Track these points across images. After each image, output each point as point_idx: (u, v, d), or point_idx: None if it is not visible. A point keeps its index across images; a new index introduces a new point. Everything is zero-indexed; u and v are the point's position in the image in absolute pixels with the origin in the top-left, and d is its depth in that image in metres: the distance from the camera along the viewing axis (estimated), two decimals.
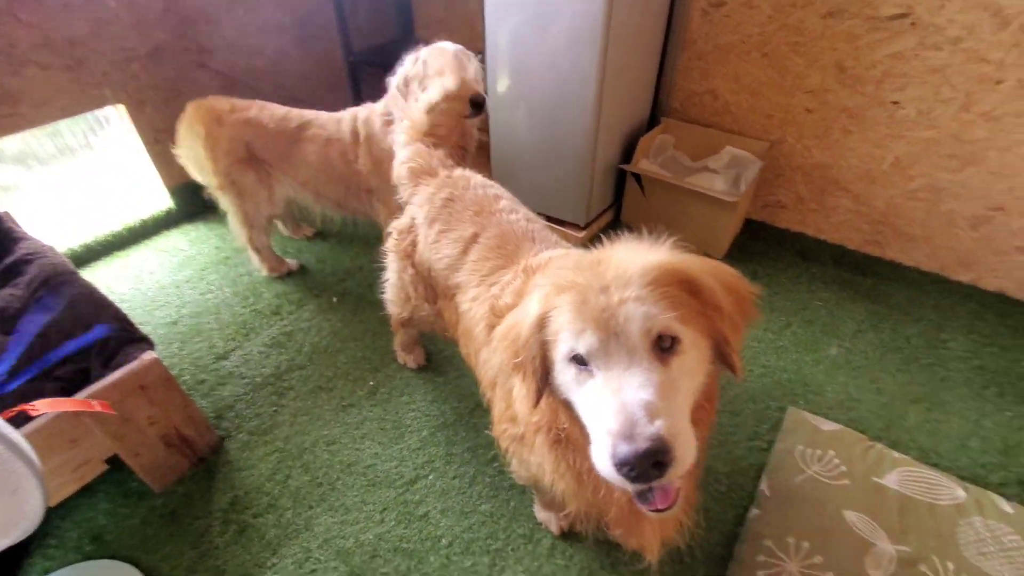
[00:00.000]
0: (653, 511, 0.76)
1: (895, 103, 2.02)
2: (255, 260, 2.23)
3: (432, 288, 1.41)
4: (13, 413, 1.14)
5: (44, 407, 1.17)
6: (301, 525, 1.45)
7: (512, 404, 1.02)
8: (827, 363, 1.90)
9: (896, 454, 1.55)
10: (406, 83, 1.83)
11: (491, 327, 1.10)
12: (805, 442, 1.60)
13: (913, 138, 2.04)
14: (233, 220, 2.11)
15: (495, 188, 1.41)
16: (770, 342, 1.99)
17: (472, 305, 1.20)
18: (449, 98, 1.51)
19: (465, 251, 1.25)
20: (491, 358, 1.11)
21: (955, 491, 1.44)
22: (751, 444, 1.64)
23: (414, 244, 1.41)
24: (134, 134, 2.39)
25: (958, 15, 1.78)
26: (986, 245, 2.09)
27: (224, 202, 2.07)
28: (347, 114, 2.00)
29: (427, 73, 1.76)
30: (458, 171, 1.44)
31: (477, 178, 1.43)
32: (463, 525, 1.45)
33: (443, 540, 1.42)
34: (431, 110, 1.49)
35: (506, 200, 1.36)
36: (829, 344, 1.97)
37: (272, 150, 1.98)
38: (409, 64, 1.84)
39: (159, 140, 2.44)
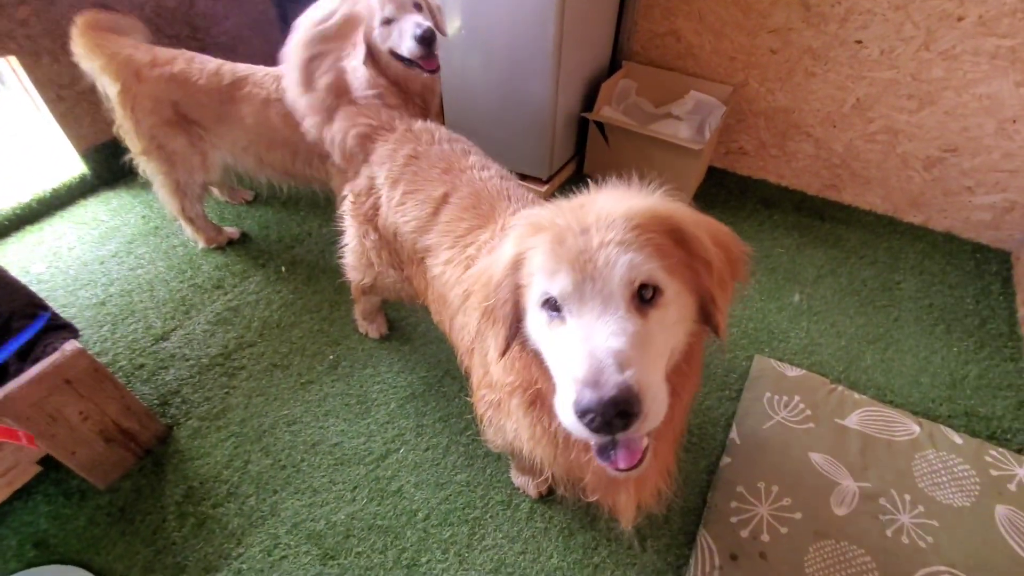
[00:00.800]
0: (616, 470, 0.71)
1: (859, 42, 1.98)
2: (189, 231, 2.03)
3: (398, 253, 1.32)
4: None
5: None
6: (266, 511, 1.37)
7: (489, 368, 0.96)
8: (790, 310, 1.93)
9: (856, 395, 1.61)
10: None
11: (468, 292, 1.03)
12: (772, 389, 1.63)
13: (874, 79, 2.02)
14: (162, 189, 1.88)
15: (462, 142, 1.30)
16: (735, 291, 1.99)
17: (445, 268, 1.12)
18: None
19: (435, 212, 1.16)
20: (468, 322, 1.04)
21: (910, 426, 1.51)
22: (721, 394, 1.66)
23: (376, 207, 1.29)
24: (32, 90, 2.07)
25: None
26: (938, 186, 2.13)
27: (150, 169, 1.83)
28: (279, 71, 1.77)
29: (371, 16, 1.56)
30: (419, 123, 1.32)
31: (442, 131, 1.31)
32: (439, 497, 1.41)
33: (419, 514, 1.38)
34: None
35: (475, 156, 1.26)
36: (792, 291, 2.00)
37: (204, 110, 1.74)
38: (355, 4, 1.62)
39: (62, 97, 2.13)
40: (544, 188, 2.36)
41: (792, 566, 1.23)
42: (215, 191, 2.29)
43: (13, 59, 1.99)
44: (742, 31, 2.15)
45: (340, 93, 1.37)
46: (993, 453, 1.42)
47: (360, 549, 1.31)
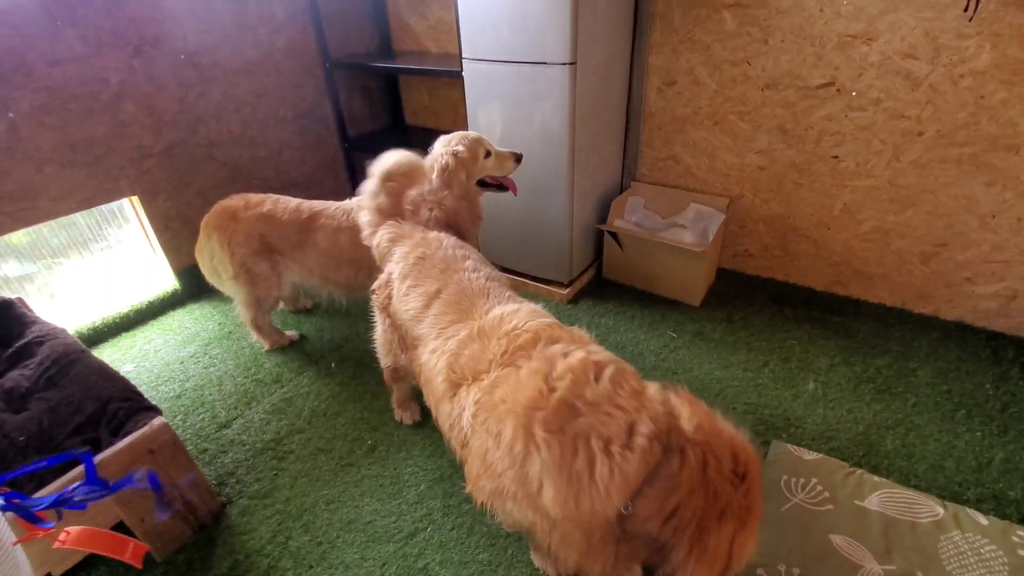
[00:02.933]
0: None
1: (835, 157, 2.26)
2: (256, 336, 2.35)
3: (403, 339, 1.51)
4: (37, 536, 1.10)
5: (74, 540, 1.05)
6: None
7: (487, 457, 1.08)
8: (805, 397, 1.99)
9: (876, 478, 1.62)
10: (446, 172, 1.98)
11: (451, 383, 1.19)
12: (789, 472, 1.66)
13: (856, 187, 2.26)
14: (241, 304, 2.24)
15: (464, 249, 1.56)
16: (750, 380, 2.08)
17: (431, 357, 1.28)
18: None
19: (427, 305, 1.36)
20: (454, 412, 1.19)
21: (934, 508, 1.49)
22: None
23: (389, 297, 1.53)
24: (145, 222, 2.58)
25: (875, 80, 2.05)
26: (939, 278, 2.25)
27: (234, 289, 2.20)
28: (355, 202, 2.17)
29: (476, 156, 2.02)
30: (432, 233, 1.61)
31: (450, 240, 1.59)
32: (462, 575, 1.47)
33: None
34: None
35: (472, 260, 1.50)
36: (806, 379, 2.07)
37: (285, 240, 2.14)
38: (443, 157, 1.96)
39: (169, 227, 2.63)
40: (566, 291, 2.61)
41: None
42: (281, 304, 2.66)
43: (136, 199, 2.52)
44: (732, 153, 2.49)
45: (389, 213, 1.72)
46: (1021, 533, 1.39)
47: None
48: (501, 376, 1.09)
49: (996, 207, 2.02)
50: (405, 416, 1.95)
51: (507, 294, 1.39)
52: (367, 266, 2.12)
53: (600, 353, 1.10)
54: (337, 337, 2.46)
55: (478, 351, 1.16)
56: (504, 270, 2.78)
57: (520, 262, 2.74)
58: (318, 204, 2.16)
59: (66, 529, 1.02)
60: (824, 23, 2.07)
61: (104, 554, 1.07)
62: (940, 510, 1.49)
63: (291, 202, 2.15)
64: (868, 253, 2.36)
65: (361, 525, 1.62)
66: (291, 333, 2.43)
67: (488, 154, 2.04)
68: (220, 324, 2.56)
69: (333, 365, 2.27)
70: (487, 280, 1.41)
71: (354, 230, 2.10)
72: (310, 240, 2.12)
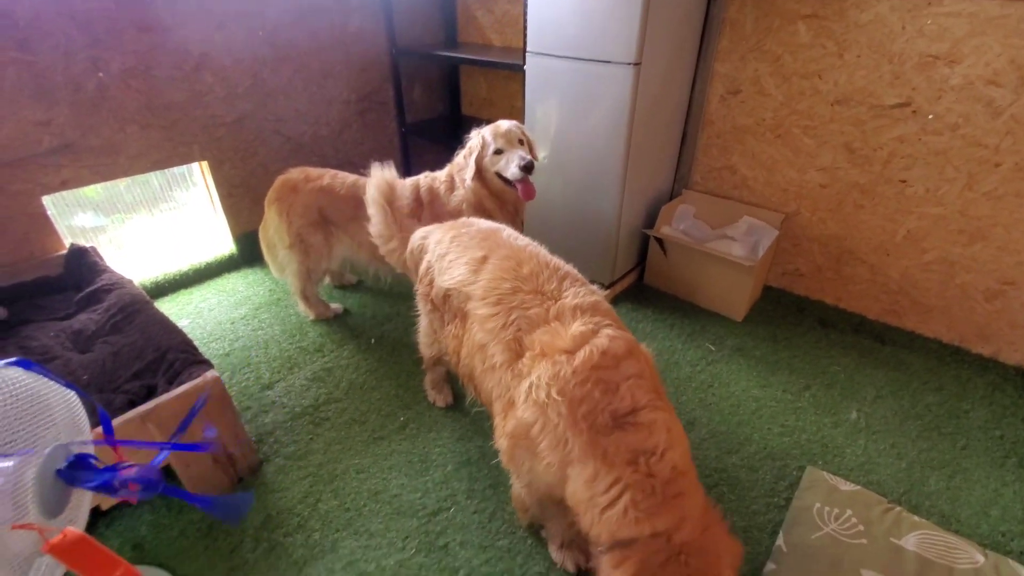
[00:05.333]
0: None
1: (903, 181, 2.17)
2: (303, 306, 2.44)
3: (444, 314, 1.51)
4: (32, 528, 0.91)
5: (67, 543, 0.87)
6: (327, 547, 1.53)
7: (531, 435, 1.12)
8: (846, 426, 1.93)
9: (915, 518, 1.55)
10: (470, 154, 2.09)
11: (514, 352, 1.20)
12: (823, 500, 1.61)
13: (922, 213, 2.17)
14: (292, 274, 2.33)
15: (496, 224, 1.59)
16: (789, 403, 2.03)
17: (486, 319, 1.26)
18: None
19: (476, 271, 1.35)
20: (507, 379, 1.20)
21: (974, 555, 1.43)
22: (769, 500, 1.67)
23: (431, 283, 1.54)
24: (211, 187, 2.71)
25: (954, 104, 1.96)
26: (1002, 318, 2.13)
27: (288, 259, 2.30)
28: (409, 182, 2.24)
29: (486, 146, 2.05)
30: (462, 219, 1.65)
31: (481, 221, 1.63)
32: (481, 559, 1.50)
33: (461, 571, 1.47)
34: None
35: (508, 231, 1.54)
36: (849, 408, 2.00)
37: (341, 213, 2.22)
38: (474, 139, 2.10)
39: (232, 194, 2.76)
40: (606, 292, 2.59)
41: None
42: (327, 279, 2.75)
43: (205, 164, 2.66)
44: (792, 167, 2.42)
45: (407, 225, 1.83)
46: None
47: None
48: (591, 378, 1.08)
49: None
50: (438, 399, 1.99)
51: (560, 266, 1.38)
52: None
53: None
54: (379, 315, 2.53)
55: (555, 329, 1.16)
56: None
57: (562, 255, 2.73)
58: None
59: (64, 530, 0.90)
60: (905, 41, 1.98)
61: (81, 574, 0.89)
62: (980, 558, 1.42)
63: (348, 177, 2.23)
64: (929, 284, 2.26)
65: (388, 497, 1.67)
66: (336, 306, 2.51)
67: (499, 152, 2.04)
68: (271, 291, 2.67)
69: (373, 341, 2.34)
70: (530, 245, 1.44)
71: (406, 207, 2.17)
72: (365, 215, 2.18)
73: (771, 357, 2.26)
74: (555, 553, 1.48)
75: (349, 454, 1.81)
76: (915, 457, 1.80)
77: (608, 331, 1.14)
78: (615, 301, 2.64)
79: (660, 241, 2.56)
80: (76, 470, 1.05)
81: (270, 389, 2.06)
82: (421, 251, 1.62)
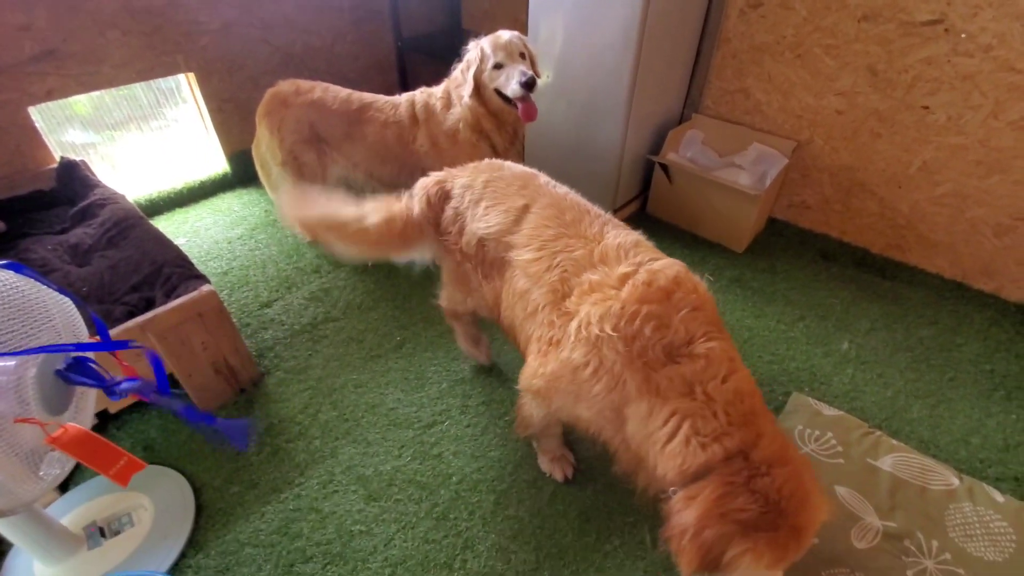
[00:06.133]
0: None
1: (925, 108, 2.05)
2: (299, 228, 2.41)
3: (480, 266, 1.39)
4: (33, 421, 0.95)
5: (67, 440, 0.92)
6: (327, 453, 1.60)
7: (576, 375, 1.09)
8: (836, 356, 1.95)
9: (894, 441, 1.60)
10: (467, 68, 1.96)
11: (560, 293, 1.14)
12: (805, 423, 1.66)
13: (941, 143, 2.07)
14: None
15: (528, 168, 1.47)
16: (782, 332, 2.05)
17: (530, 265, 1.21)
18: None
19: (517, 220, 1.28)
20: (553, 318, 1.14)
21: (949, 478, 1.48)
22: None
23: (461, 231, 1.38)
24: (201, 102, 2.61)
25: (990, 23, 1.81)
26: (1010, 254, 2.09)
27: (282, 177, 2.22)
28: (404, 98, 2.13)
29: (485, 59, 1.90)
30: (486, 161, 1.51)
31: (507, 164, 1.49)
32: (473, 467, 1.57)
33: (454, 477, 1.54)
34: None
35: (545, 176, 1.43)
36: (841, 339, 2.02)
37: (334, 130, 2.12)
38: (472, 51, 1.95)
39: (222, 109, 2.66)
40: None
41: None
42: None
43: (192, 76, 2.54)
44: (809, 92, 2.29)
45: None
46: None
47: (399, 497, 1.49)
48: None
49: None
50: (481, 356, 1.84)
51: (600, 213, 1.31)
52: (410, 165, 2.12)
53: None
54: None
55: (604, 274, 1.11)
56: None
57: (563, 183, 2.66)
58: (368, 96, 2.13)
59: (64, 425, 0.94)
60: None
61: (87, 464, 0.93)
62: (955, 481, 1.48)
63: (341, 92, 2.12)
64: (938, 218, 2.20)
65: (384, 410, 1.72)
66: None
67: (499, 66, 1.89)
68: (267, 211, 2.64)
69: (370, 263, 2.33)
70: (570, 193, 1.36)
71: (401, 126, 2.08)
72: (358, 132, 2.11)
73: (768, 288, 2.25)
74: (546, 464, 1.55)
75: (347, 370, 1.85)
76: (901, 387, 1.84)
77: (654, 264, 1.10)
78: None
79: (665, 168, 2.48)
80: (74, 372, 1.07)
81: (269, 307, 2.09)
82: (442, 197, 1.43)
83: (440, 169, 2.07)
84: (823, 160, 2.39)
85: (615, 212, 2.56)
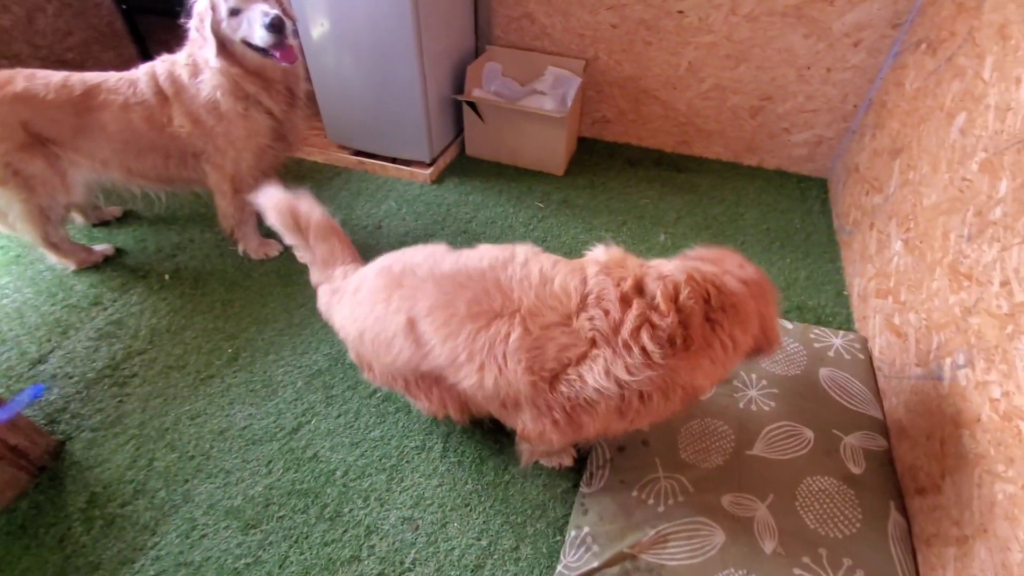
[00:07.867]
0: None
1: (680, 12, 2.29)
2: (55, 258, 1.93)
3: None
4: None
5: None
6: (179, 500, 1.37)
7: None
8: (658, 248, 2.19)
9: None
10: (201, 23, 1.64)
11: (543, 376, 1.04)
12: None
13: (698, 43, 2.34)
14: (20, 219, 1.78)
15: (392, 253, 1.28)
16: (611, 239, 2.23)
17: (484, 384, 1.07)
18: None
19: (416, 342, 1.12)
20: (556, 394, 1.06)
21: None
22: None
23: (371, 368, 1.30)
24: None
25: None
26: (763, 131, 2.51)
27: (8, 200, 1.73)
28: (141, 72, 1.74)
29: (216, 7, 1.59)
30: (339, 270, 1.36)
31: (363, 268, 1.32)
32: (355, 455, 1.48)
33: (337, 472, 1.44)
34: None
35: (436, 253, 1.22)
36: (657, 233, 2.27)
37: (59, 126, 1.67)
38: (199, 1, 1.64)
39: None
40: (428, 171, 2.47)
41: (668, 445, 1.43)
42: (77, 218, 2.17)
43: None
44: (584, 9, 2.40)
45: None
46: (815, 331, 1.73)
47: (281, 513, 1.35)
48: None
49: (811, 58, 2.23)
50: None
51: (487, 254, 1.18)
52: (176, 152, 1.79)
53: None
54: (165, 246, 2.11)
55: (563, 335, 1.04)
56: (358, 153, 2.57)
57: (375, 142, 2.51)
58: (93, 76, 1.70)
59: None
60: None
61: None
62: None
63: (54, 76, 1.66)
64: (708, 111, 2.53)
65: (236, 432, 1.52)
66: (102, 247, 2.03)
67: (235, 12, 1.58)
68: (1, 248, 2.06)
69: (167, 277, 1.97)
70: (446, 251, 1.22)
71: (147, 106, 1.71)
72: (94, 123, 1.69)
73: (592, 203, 2.42)
74: (552, 460, 1.47)
75: (175, 403, 1.58)
76: None
77: (587, 287, 1.11)
78: (441, 178, 2.54)
79: (473, 106, 2.45)
80: None
81: (43, 363, 1.67)
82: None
83: (216, 151, 1.79)
84: (610, 74, 2.56)
85: (435, 160, 2.50)
